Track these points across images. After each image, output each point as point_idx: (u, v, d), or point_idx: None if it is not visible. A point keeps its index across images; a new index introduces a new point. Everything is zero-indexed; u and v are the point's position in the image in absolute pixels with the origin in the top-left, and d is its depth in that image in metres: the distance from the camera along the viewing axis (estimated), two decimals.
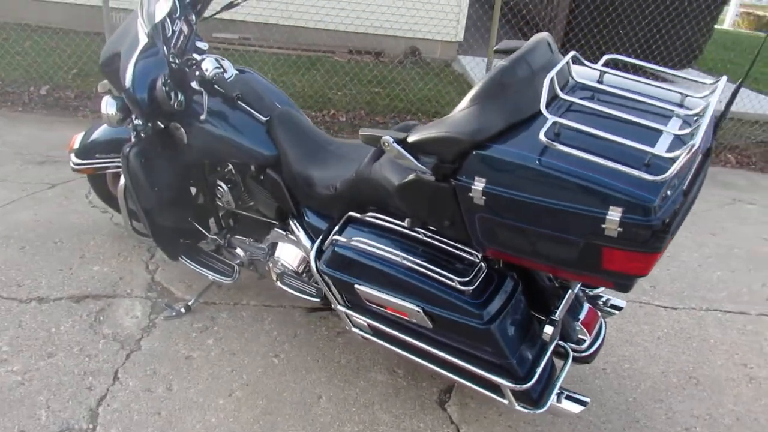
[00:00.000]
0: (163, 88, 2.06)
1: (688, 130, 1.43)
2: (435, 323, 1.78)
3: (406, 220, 1.82)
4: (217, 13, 2.60)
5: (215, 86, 2.23)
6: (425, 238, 1.83)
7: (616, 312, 2.18)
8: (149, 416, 2.04)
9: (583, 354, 1.96)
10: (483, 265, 1.75)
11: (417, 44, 7.01)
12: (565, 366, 1.88)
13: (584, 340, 1.96)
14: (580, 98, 1.53)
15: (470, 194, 1.52)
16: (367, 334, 2.05)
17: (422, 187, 1.63)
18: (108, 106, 2.32)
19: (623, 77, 1.67)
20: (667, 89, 1.63)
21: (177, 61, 2.22)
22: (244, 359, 2.34)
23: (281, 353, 2.39)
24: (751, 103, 6.18)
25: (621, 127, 1.45)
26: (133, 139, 2.42)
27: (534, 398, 1.78)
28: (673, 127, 1.47)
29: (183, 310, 2.55)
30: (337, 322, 2.60)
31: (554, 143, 1.40)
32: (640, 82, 1.66)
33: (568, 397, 1.84)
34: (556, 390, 1.81)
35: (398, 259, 1.79)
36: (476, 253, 1.77)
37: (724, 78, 1.55)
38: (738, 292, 3.19)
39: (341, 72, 5.89)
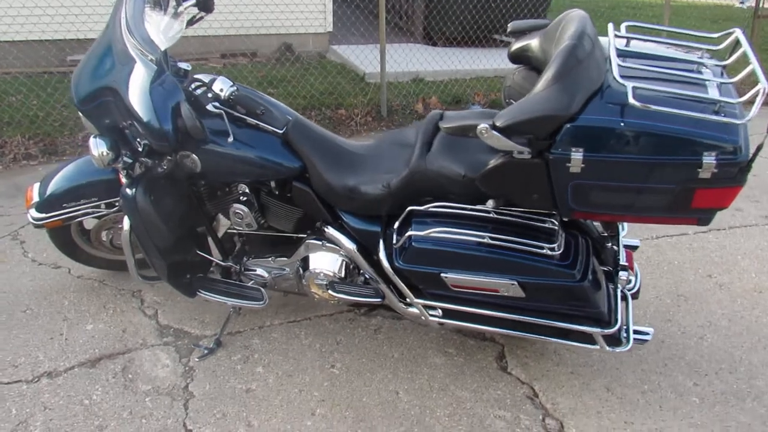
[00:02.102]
0: (191, 114, 1.93)
1: (735, 78, 1.68)
2: (528, 292, 1.90)
3: (489, 202, 1.91)
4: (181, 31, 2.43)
5: (225, 106, 2.12)
6: (499, 216, 1.94)
7: (634, 251, 2.44)
8: None
9: (633, 291, 2.19)
10: (560, 229, 1.90)
11: (289, 40, 6.95)
12: (629, 306, 2.10)
13: (631, 280, 2.19)
14: (629, 63, 1.72)
15: (568, 164, 1.65)
16: (443, 319, 2.11)
17: (514, 166, 1.73)
18: (98, 146, 2.12)
19: (645, 40, 1.90)
20: (685, 45, 1.88)
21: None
22: (304, 378, 2.29)
23: (336, 362, 2.37)
24: None
25: (675, 82, 1.67)
26: (124, 180, 2.24)
27: (618, 338, 1.98)
28: (710, 76, 1.72)
29: (214, 345, 2.42)
30: (366, 320, 2.62)
31: (647, 105, 1.57)
32: (658, 42, 1.89)
33: (636, 332, 2.06)
34: (632, 328, 2.03)
35: (483, 240, 1.88)
36: (551, 219, 1.91)
37: (738, 30, 1.82)
38: None
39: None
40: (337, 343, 2.49)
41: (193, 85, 2.12)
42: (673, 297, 2.84)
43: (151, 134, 1.95)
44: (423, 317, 2.14)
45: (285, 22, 6.80)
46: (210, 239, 2.54)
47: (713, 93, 1.67)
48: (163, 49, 2.00)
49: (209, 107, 2.08)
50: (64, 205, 2.51)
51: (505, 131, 1.66)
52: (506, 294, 1.93)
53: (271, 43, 6.95)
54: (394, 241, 2.03)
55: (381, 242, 2.07)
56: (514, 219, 1.94)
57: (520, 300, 1.94)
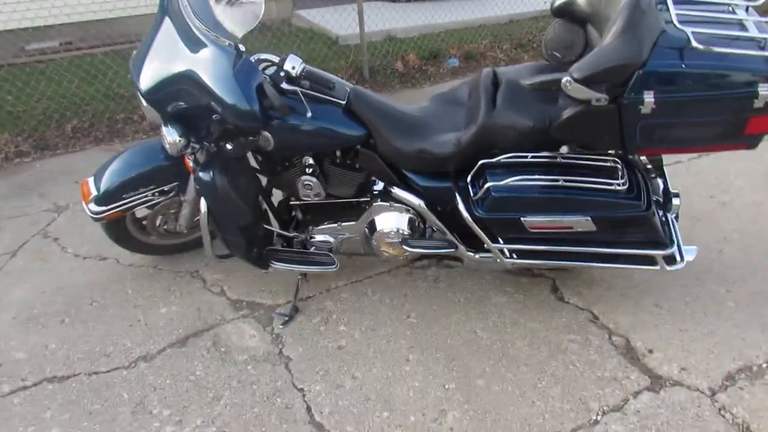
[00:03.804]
0: (275, 92, 2.03)
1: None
2: (599, 225, 2.12)
3: (563, 148, 2.10)
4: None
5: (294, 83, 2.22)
6: (566, 161, 2.13)
7: None
8: (364, 403, 2.13)
9: (674, 215, 2.45)
10: (621, 166, 2.12)
11: None
12: (676, 228, 2.35)
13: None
14: (681, 10, 1.92)
15: (640, 106, 1.86)
16: (516, 260, 2.32)
17: (591, 113, 1.92)
18: (170, 134, 2.18)
19: None
20: None
21: None
22: (387, 330, 2.47)
23: (410, 313, 2.56)
24: None
25: (720, 23, 1.89)
26: (192, 165, 2.32)
27: (675, 258, 2.24)
28: (744, 16, 1.95)
29: (292, 312, 2.56)
30: (423, 272, 2.80)
31: (709, 47, 1.78)
32: None
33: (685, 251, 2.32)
34: (683, 248, 2.29)
35: (558, 183, 2.08)
36: (612, 158, 2.12)
37: None
38: None
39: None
40: (404, 296, 2.67)
41: (261, 65, 2.20)
42: (687, 219, 3.14)
43: (238, 116, 2.03)
44: (498, 260, 2.34)
45: None
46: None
47: (753, 31, 1.89)
48: (240, 35, 2.07)
49: (283, 85, 2.17)
50: (123, 196, 2.56)
51: (584, 82, 1.83)
52: (579, 230, 2.15)
53: None
54: (472, 193, 2.20)
55: (457, 195, 2.24)
56: (579, 161, 2.14)
57: (591, 233, 2.16)
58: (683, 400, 2.08)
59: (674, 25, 1.85)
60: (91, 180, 2.60)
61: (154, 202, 2.66)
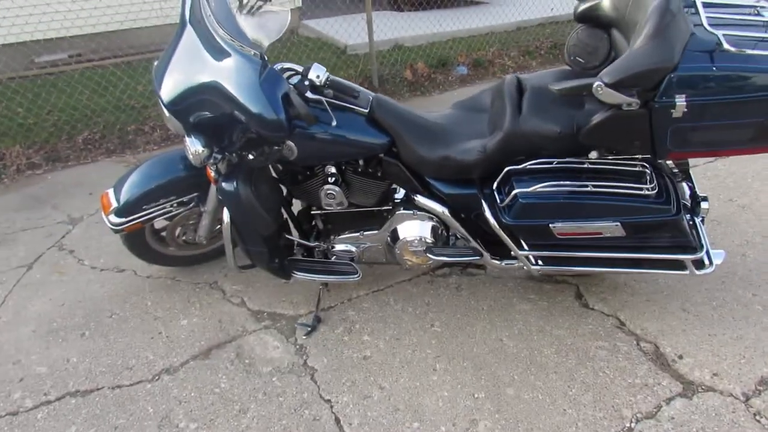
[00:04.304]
0: (302, 102, 2.01)
1: None
2: (628, 230, 2.10)
3: (592, 153, 2.08)
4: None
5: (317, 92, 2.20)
6: (593, 166, 2.11)
7: None
8: (393, 413, 2.10)
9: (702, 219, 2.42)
10: (650, 170, 2.10)
11: None
12: (703, 232, 2.33)
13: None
14: (710, 13, 1.91)
15: (672, 110, 1.84)
16: (543, 267, 2.30)
17: (621, 118, 1.90)
18: (193, 144, 2.16)
19: None
20: None
21: None
22: (411, 339, 2.45)
23: (434, 321, 2.53)
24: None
25: (748, 25, 1.88)
26: (214, 175, 2.31)
27: (704, 262, 2.22)
28: None
29: (314, 322, 2.53)
30: (444, 280, 2.78)
31: (743, 49, 1.76)
32: None
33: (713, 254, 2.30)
34: (711, 251, 2.26)
35: (587, 188, 2.06)
36: (640, 163, 2.10)
37: None
38: None
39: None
40: (427, 305, 2.64)
41: (285, 75, 2.19)
42: (708, 222, 3.11)
43: (264, 126, 2.01)
44: (524, 267, 2.31)
45: None
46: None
47: None
48: (266, 45, 2.06)
49: (308, 94, 2.15)
50: (143, 207, 2.54)
51: (615, 86, 1.82)
52: (608, 235, 2.13)
53: None
54: (498, 200, 2.18)
55: (484, 202, 2.22)
56: (607, 166, 2.12)
57: (620, 239, 2.14)
58: (717, 406, 2.05)
59: (704, 28, 1.84)
60: (110, 192, 2.58)
61: (173, 213, 2.64)
